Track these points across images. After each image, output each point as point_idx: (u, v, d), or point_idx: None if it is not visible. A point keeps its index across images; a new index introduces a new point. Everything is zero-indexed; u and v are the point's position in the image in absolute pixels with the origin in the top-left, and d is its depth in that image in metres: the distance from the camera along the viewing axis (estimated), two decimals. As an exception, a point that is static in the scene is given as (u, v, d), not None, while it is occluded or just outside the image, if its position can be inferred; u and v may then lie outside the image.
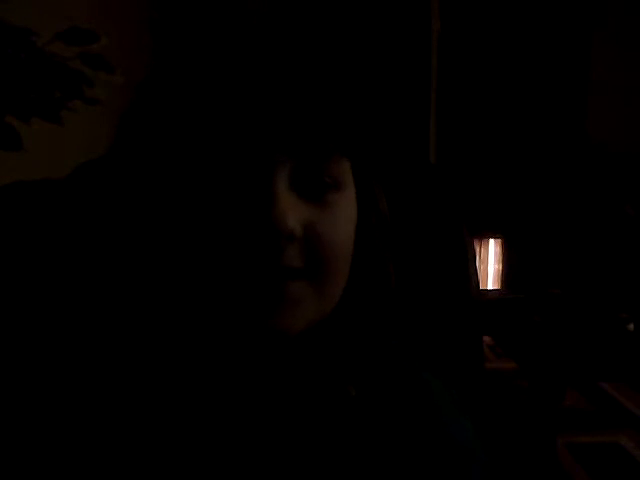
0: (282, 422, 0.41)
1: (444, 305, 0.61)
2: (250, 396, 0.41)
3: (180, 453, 0.40)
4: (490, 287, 2.44)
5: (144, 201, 0.40)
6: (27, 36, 1.07)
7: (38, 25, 1.10)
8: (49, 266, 0.50)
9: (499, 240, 2.45)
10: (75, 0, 1.65)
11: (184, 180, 0.38)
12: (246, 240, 0.36)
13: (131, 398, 0.41)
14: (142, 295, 0.40)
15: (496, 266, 2.44)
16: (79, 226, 0.46)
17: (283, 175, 0.37)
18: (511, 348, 2.00)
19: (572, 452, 1.90)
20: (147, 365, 0.41)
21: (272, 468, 0.40)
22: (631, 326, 2.41)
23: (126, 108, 0.41)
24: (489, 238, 2.44)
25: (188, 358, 0.41)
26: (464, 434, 0.46)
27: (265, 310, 0.37)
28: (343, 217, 0.41)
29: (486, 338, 2.16)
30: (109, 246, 0.40)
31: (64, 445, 0.40)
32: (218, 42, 0.40)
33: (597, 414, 2.20)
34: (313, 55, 0.41)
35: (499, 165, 2.81)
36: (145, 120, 0.40)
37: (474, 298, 0.61)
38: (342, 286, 0.42)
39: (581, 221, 2.72)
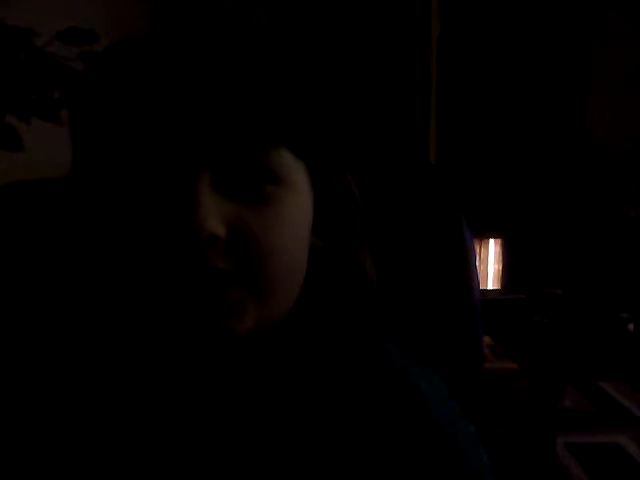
0: (259, 428, 0.40)
1: (444, 305, 0.60)
2: (224, 401, 0.41)
3: (155, 457, 0.40)
4: (490, 287, 2.43)
5: (94, 207, 0.39)
6: (27, 36, 1.08)
7: (38, 25, 1.10)
8: (48, 266, 0.50)
9: (499, 240, 2.45)
10: (75, 0, 1.65)
11: (119, 190, 0.37)
12: (171, 245, 0.35)
13: (105, 398, 0.41)
14: (108, 297, 0.40)
15: (496, 266, 2.44)
16: (78, 226, 0.46)
17: (205, 175, 0.36)
18: (511, 348, 2.00)
19: (572, 452, 1.90)
20: (122, 365, 0.41)
21: (249, 475, 0.39)
22: (631, 326, 2.41)
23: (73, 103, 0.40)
24: (489, 238, 2.44)
25: (156, 360, 0.40)
26: (471, 447, 0.45)
27: (203, 313, 0.36)
28: (285, 214, 0.39)
29: (486, 338, 2.15)
30: (100, 246, 0.40)
31: (54, 444, 0.40)
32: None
33: (597, 414, 2.19)
34: (233, 47, 0.38)
35: (499, 165, 2.81)
36: (85, 118, 0.39)
37: (474, 298, 0.61)
38: (292, 289, 0.40)
39: (581, 221, 2.71)
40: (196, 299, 0.36)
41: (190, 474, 0.39)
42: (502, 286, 2.45)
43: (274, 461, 0.40)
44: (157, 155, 0.36)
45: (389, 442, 0.42)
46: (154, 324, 0.38)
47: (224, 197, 0.37)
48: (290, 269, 0.39)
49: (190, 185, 0.36)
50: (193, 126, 0.36)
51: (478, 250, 2.41)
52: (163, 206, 0.36)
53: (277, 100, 0.39)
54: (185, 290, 0.36)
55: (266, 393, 0.41)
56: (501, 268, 2.45)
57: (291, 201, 0.39)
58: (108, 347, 0.42)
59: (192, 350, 0.38)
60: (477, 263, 0.64)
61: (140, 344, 0.40)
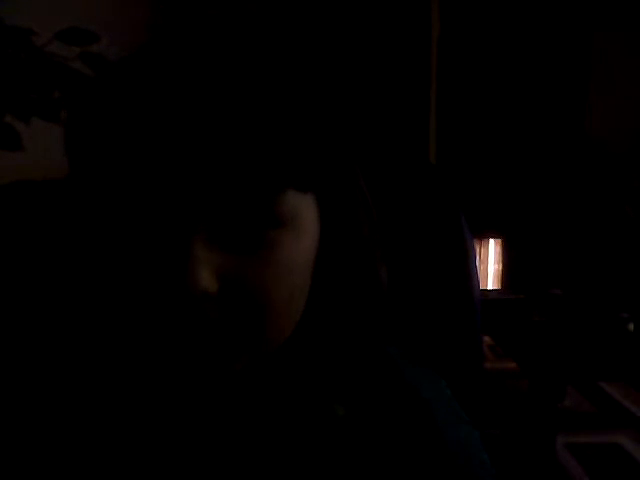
0: (266, 445, 0.40)
1: (444, 305, 0.60)
2: (232, 419, 0.41)
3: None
4: (490, 287, 2.43)
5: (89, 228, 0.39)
6: (27, 36, 1.08)
7: (38, 25, 1.10)
8: (48, 266, 0.50)
9: (499, 240, 2.45)
10: (75, 0, 1.65)
11: (114, 243, 0.37)
12: (165, 297, 0.35)
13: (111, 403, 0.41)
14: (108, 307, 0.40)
15: (496, 266, 2.44)
16: (78, 226, 0.46)
17: (201, 229, 0.36)
18: (511, 348, 2.00)
19: (572, 452, 1.90)
20: (120, 371, 0.41)
21: None
22: (631, 326, 2.41)
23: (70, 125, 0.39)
24: (489, 238, 2.44)
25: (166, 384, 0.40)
26: (472, 453, 0.45)
27: (199, 356, 0.37)
28: (285, 257, 0.37)
29: (486, 338, 2.15)
30: (100, 247, 0.40)
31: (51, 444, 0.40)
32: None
33: (597, 414, 2.19)
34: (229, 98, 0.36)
35: (499, 165, 2.81)
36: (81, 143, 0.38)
37: (474, 298, 0.61)
38: (290, 318, 0.40)
39: (581, 221, 2.71)
40: (191, 344, 0.36)
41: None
42: (502, 286, 2.45)
43: (279, 470, 0.40)
44: (154, 205, 0.36)
45: (394, 449, 0.41)
46: (150, 354, 0.38)
47: (220, 248, 0.36)
48: (288, 304, 0.39)
49: (185, 240, 0.35)
50: (191, 181, 0.35)
51: (478, 250, 2.41)
52: (157, 256, 0.36)
53: (280, 147, 0.36)
54: (180, 336, 0.36)
55: (270, 400, 0.41)
56: (501, 268, 2.44)
57: (293, 242, 0.38)
58: (106, 350, 0.42)
59: (190, 381, 0.38)
60: (477, 263, 0.63)
61: (137, 356, 0.40)
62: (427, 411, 0.43)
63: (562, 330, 2.08)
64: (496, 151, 2.82)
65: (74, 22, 1.11)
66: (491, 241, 2.44)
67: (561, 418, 1.98)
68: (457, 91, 2.79)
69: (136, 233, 0.36)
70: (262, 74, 0.37)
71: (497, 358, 2.00)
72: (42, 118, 1.08)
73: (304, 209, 0.39)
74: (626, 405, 2.25)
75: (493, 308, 2.18)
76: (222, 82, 0.36)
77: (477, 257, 2.35)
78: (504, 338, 2.04)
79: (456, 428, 0.45)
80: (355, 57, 2.67)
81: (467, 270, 0.61)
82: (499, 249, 2.44)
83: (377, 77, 2.70)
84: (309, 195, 0.39)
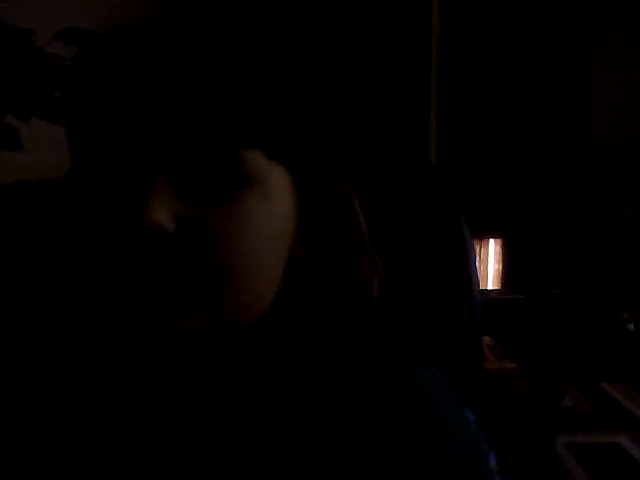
0: (245, 422, 0.40)
1: (444, 305, 0.60)
2: (213, 399, 0.41)
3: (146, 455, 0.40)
4: (490, 287, 2.43)
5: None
6: (27, 36, 1.08)
7: (38, 25, 1.10)
8: (47, 266, 0.50)
9: (499, 240, 2.45)
10: (75, 0, 1.65)
11: (97, 188, 0.38)
12: (123, 239, 0.36)
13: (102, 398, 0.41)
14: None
15: (496, 266, 2.44)
16: (78, 226, 0.46)
17: (165, 175, 0.36)
18: (511, 348, 2.00)
19: (572, 452, 1.90)
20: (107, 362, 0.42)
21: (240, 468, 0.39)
22: (631, 326, 2.41)
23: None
24: (489, 238, 2.44)
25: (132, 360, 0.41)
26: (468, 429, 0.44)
27: (152, 308, 0.36)
28: (250, 217, 0.38)
29: (486, 338, 2.15)
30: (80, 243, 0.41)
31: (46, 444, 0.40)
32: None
33: (597, 414, 2.19)
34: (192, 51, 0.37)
35: (499, 165, 2.81)
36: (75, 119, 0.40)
37: (474, 298, 0.61)
38: (252, 294, 0.39)
39: (581, 221, 2.71)
40: (145, 293, 0.36)
41: (179, 473, 0.40)
42: (502, 286, 2.45)
43: (258, 449, 0.40)
44: (125, 153, 0.37)
45: (375, 428, 0.41)
46: (114, 319, 0.38)
47: (184, 197, 0.37)
48: (250, 274, 0.38)
49: (148, 184, 0.36)
50: (158, 126, 0.36)
51: (478, 250, 2.41)
52: (122, 203, 0.37)
53: (247, 101, 0.38)
54: (136, 285, 0.36)
55: (251, 387, 0.41)
56: (501, 268, 2.45)
57: (259, 204, 0.38)
58: (99, 347, 0.42)
59: (147, 344, 0.38)
60: (477, 263, 0.64)
61: (118, 342, 0.40)
62: (412, 389, 0.42)
63: (562, 330, 2.08)
64: (496, 151, 2.82)
65: (74, 22, 1.11)
66: (491, 241, 2.44)
67: (561, 418, 1.98)
68: (457, 91, 2.79)
69: (112, 178, 0.37)
70: (236, 43, 0.39)
71: (497, 358, 2.01)
72: (42, 118, 1.09)
73: (273, 177, 0.39)
74: (626, 405, 2.25)
75: (493, 308, 2.18)
76: (198, 40, 0.38)
77: (477, 257, 2.35)
78: (504, 338, 2.04)
79: (444, 407, 0.44)
80: (355, 57, 2.67)
81: (467, 270, 0.61)
82: (499, 249, 2.44)
83: (377, 77, 2.70)
84: (280, 167, 0.40)
